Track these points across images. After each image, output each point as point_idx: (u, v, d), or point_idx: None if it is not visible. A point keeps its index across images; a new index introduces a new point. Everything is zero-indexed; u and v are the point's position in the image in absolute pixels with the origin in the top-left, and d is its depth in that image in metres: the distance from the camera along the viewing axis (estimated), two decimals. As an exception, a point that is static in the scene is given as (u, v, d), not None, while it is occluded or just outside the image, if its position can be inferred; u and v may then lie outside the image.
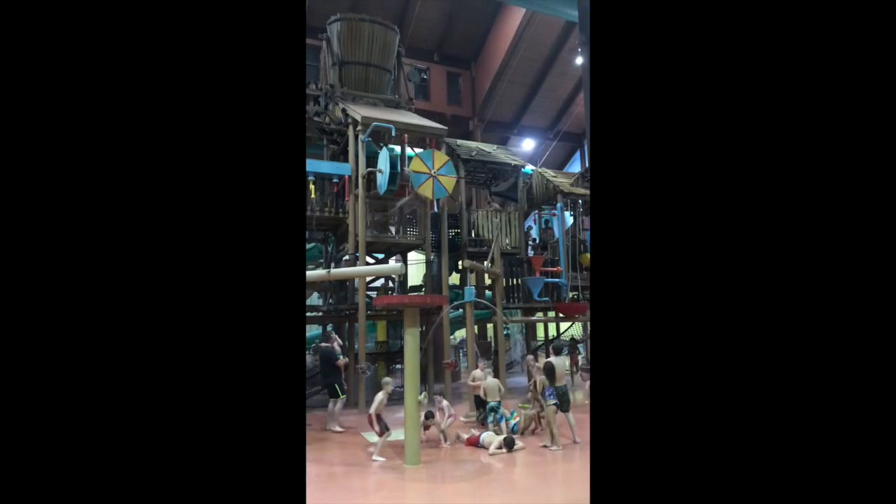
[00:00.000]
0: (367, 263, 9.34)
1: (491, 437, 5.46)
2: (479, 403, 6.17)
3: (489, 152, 11.35)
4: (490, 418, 5.80)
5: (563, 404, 5.62)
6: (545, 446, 5.42)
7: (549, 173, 11.42)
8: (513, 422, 5.94)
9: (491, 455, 5.22)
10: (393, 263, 6.80)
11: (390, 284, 11.01)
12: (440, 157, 8.39)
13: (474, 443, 5.57)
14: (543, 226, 11.32)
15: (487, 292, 10.76)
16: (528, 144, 20.05)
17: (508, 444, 5.32)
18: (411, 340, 5.01)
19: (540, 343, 12.90)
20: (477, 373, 6.38)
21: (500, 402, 5.88)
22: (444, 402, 6.07)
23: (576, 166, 19.94)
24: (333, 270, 6.40)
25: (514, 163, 11.18)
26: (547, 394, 5.54)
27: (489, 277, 9.81)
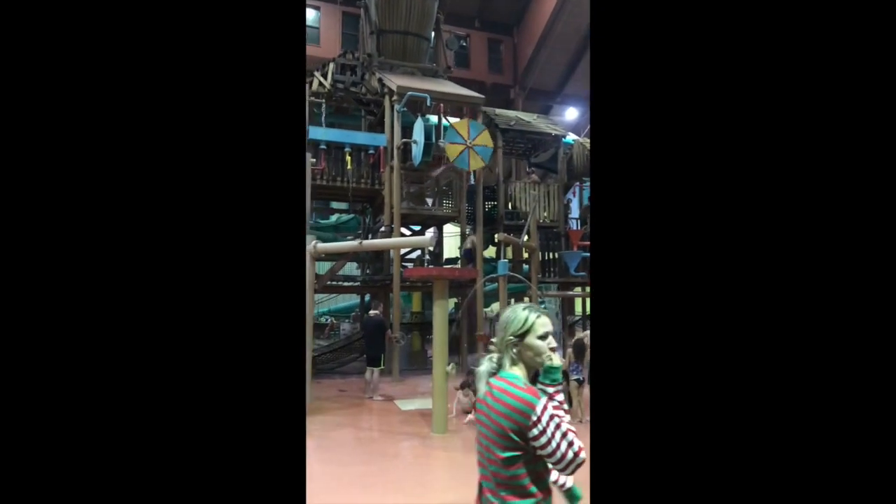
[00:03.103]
0: (403, 235, 9.42)
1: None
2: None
3: (529, 122, 11.03)
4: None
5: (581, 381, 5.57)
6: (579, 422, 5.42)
7: (591, 144, 11.01)
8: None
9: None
10: (421, 237, 6.80)
11: (426, 256, 11.10)
12: (462, 126, 8.22)
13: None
14: (581, 202, 10.97)
15: (525, 266, 10.65)
16: (571, 114, 19.34)
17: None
18: (440, 312, 5.03)
19: (577, 318, 12.74)
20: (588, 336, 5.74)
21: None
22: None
23: (621, 137, 19.15)
24: (365, 242, 6.47)
25: (554, 132, 10.82)
26: (571, 369, 5.51)
27: (525, 251, 9.68)
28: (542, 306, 7.91)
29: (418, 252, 11.05)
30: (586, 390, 5.57)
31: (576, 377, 5.53)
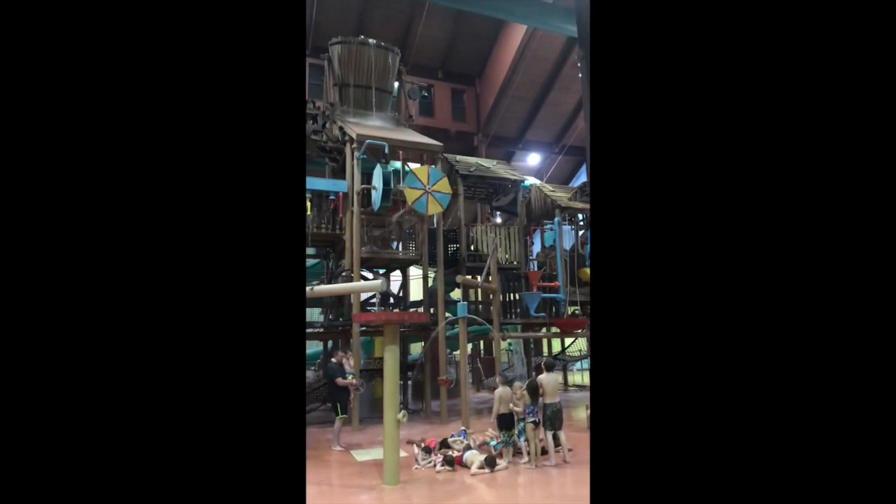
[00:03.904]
0: (365, 279, 9.40)
1: (473, 457, 5.38)
2: (505, 424, 5.61)
3: (488, 167, 11.38)
4: (523, 437, 5.59)
5: (556, 422, 5.52)
6: (525, 463, 5.35)
7: (548, 188, 11.40)
8: (494, 442, 5.85)
9: (473, 475, 5.14)
10: (373, 281, 6.81)
11: (391, 300, 11.04)
12: (422, 172, 8.47)
13: (460, 462, 5.50)
14: (543, 244, 11.25)
15: (491, 307, 10.69)
16: (533, 159, 20.07)
17: (490, 464, 5.23)
18: (391, 358, 4.99)
19: (545, 358, 12.73)
20: (543, 378, 5.65)
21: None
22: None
23: (582, 180, 19.85)
24: (316, 288, 6.45)
25: (513, 178, 11.18)
26: (527, 411, 5.46)
27: (485, 292, 9.76)
28: (511, 348, 7.80)
29: (381, 295, 11.02)
30: (542, 433, 5.52)
31: (532, 419, 5.48)
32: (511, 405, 5.59)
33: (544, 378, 5.64)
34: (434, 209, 8.40)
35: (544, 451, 5.58)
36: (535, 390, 5.50)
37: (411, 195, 8.18)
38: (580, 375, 14.53)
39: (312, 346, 13.87)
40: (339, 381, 6.68)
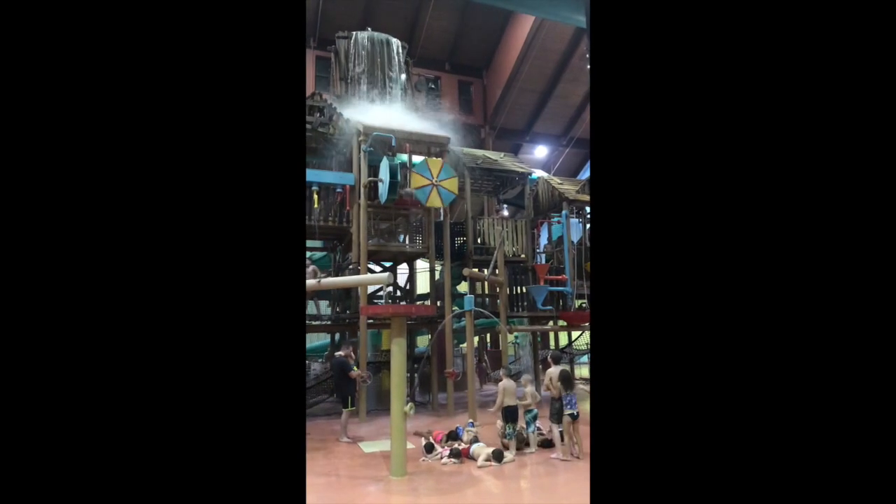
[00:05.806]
0: (372, 271, 9.42)
1: (480, 449, 5.39)
2: (510, 416, 5.58)
3: (495, 160, 11.31)
4: (531, 427, 5.65)
5: (561, 415, 5.49)
6: (576, 457, 5.23)
7: (555, 180, 11.32)
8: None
9: (479, 467, 5.15)
10: (380, 274, 6.80)
11: (398, 293, 11.05)
12: (435, 164, 8.43)
13: (467, 454, 5.51)
14: (550, 237, 11.19)
15: (497, 301, 10.67)
16: (540, 151, 19.93)
17: (497, 457, 5.24)
18: (398, 350, 5.00)
19: (552, 351, 12.71)
20: (550, 371, 5.66)
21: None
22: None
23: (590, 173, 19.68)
24: (323, 280, 6.46)
25: (520, 170, 11.11)
26: (564, 402, 5.33)
27: (492, 285, 9.74)
28: (517, 341, 7.77)
29: (389, 288, 11.03)
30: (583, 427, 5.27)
31: (569, 411, 5.23)
32: (518, 399, 5.57)
33: (552, 371, 5.62)
34: (434, 202, 8.40)
35: (550, 444, 5.56)
36: (568, 379, 5.39)
37: (417, 181, 8.19)
38: (587, 369, 14.49)
39: (321, 338, 13.96)
40: (352, 373, 6.71)
